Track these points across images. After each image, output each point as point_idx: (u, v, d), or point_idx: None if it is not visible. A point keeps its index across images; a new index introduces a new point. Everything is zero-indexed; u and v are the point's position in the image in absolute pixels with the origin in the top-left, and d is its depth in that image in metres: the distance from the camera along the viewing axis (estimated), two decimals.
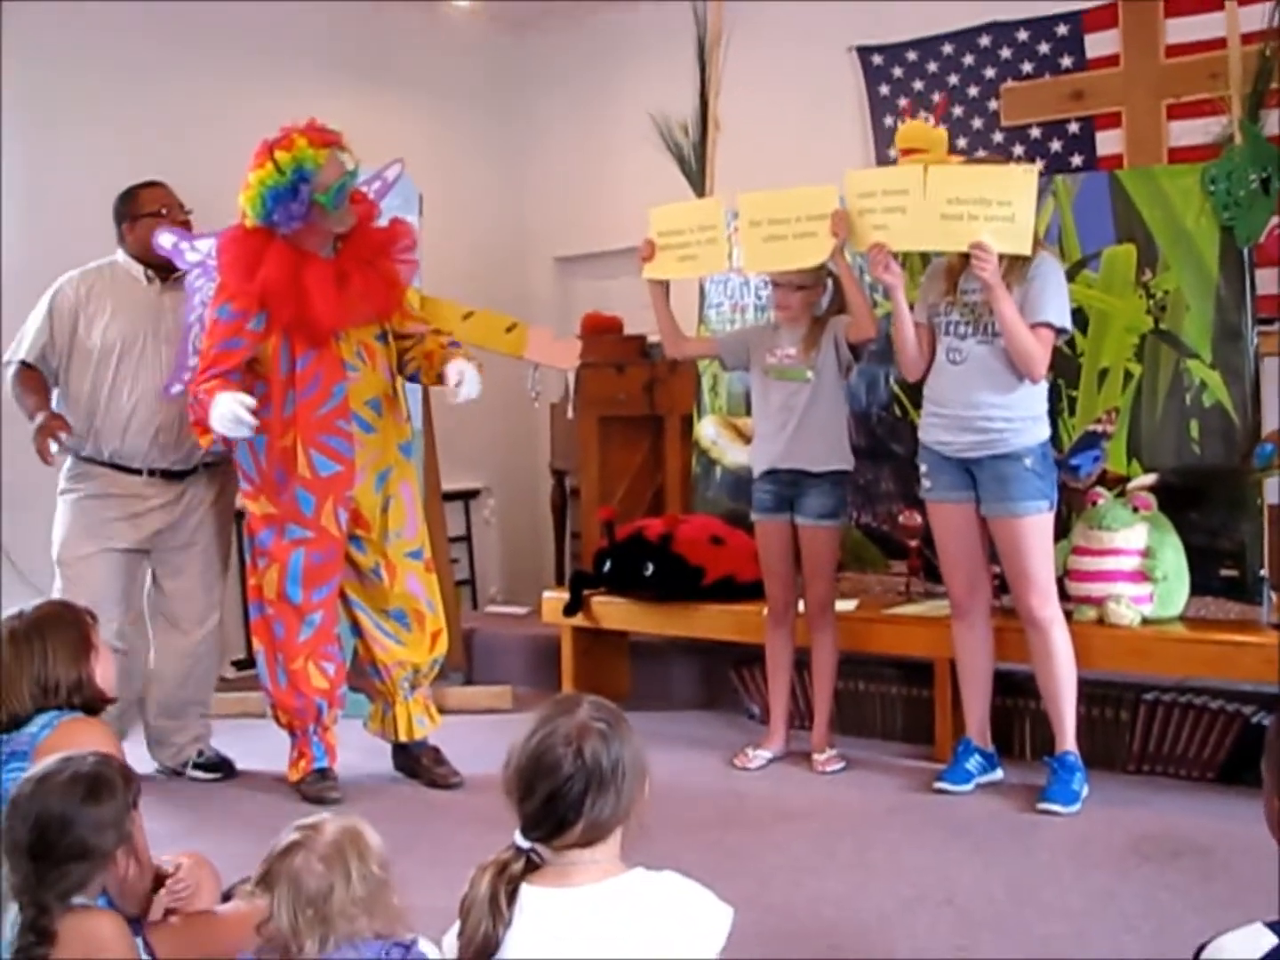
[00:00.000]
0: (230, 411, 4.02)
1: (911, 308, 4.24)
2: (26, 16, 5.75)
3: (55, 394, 4.54)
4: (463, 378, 4.27)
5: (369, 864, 2.01)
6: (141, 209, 4.60)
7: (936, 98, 6.40)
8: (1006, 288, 3.98)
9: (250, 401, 4.06)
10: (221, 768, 4.68)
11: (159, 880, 2.49)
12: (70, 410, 4.49)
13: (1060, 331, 4.10)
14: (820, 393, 4.49)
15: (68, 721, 2.65)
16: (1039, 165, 4.14)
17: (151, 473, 4.56)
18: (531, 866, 2.01)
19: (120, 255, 4.64)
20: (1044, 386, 4.14)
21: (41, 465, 4.35)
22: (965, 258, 4.11)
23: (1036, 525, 4.07)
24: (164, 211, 4.59)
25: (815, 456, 4.50)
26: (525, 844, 2.01)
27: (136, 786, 2.31)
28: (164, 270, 4.60)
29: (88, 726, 2.67)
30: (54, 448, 4.28)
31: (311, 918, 1.95)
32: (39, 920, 2.14)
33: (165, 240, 4.48)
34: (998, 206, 3.98)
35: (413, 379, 4.58)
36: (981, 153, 6.26)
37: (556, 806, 1.97)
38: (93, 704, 2.77)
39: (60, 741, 2.54)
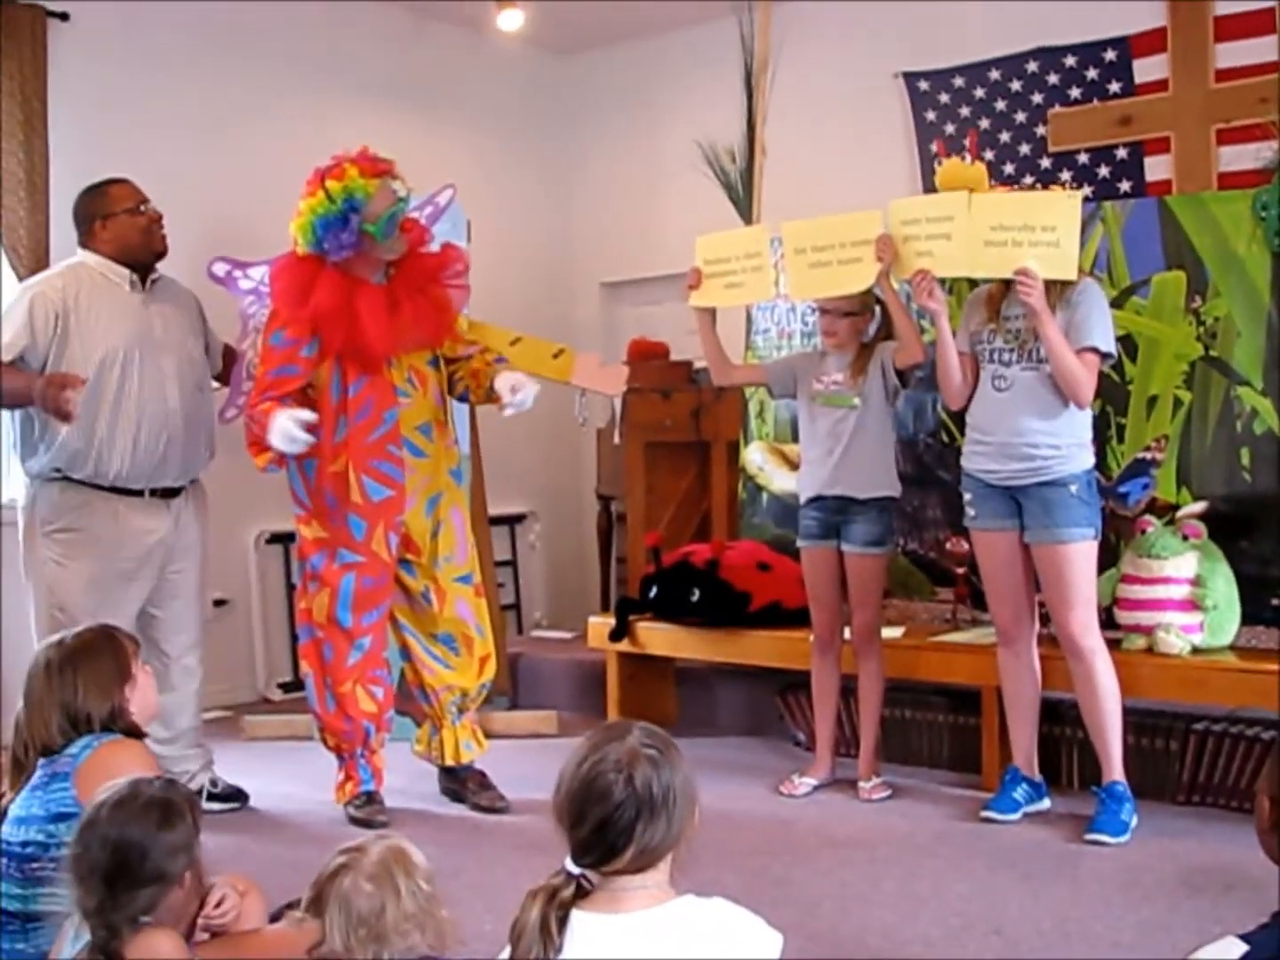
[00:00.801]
0: (286, 428, 4.03)
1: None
2: (78, 38, 5.83)
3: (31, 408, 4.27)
4: (518, 385, 4.29)
5: (416, 880, 2.03)
6: (115, 206, 4.41)
7: (985, 123, 6.40)
8: (1050, 311, 3.97)
9: (308, 416, 4.07)
10: (237, 797, 4.58)
11: (201, 901, 2.51)
12: (55, 427, 4.24)
13: (1105, 356, 4.08)
14: (867, 419, 4.48)
15: (108, 744, 2.65)
16: (1084, 191, 4.11)
17: (153, 493, 4.41)
18: (582, 892, 2.01)
19: (89, 256, 4.41)
20: (1089, 413, 4.12)
21: None
22: (1007, 285, 4.10)
23: (1081, 553, 4.05)
24: (140, 208, 4.42)
25: (862, 483, 4.49)
26: (576, 870, 2.00)
27: (199, 810, 2.34)
28: (142, 271, 4.45)
29: (127, 749, 2.67)
30: (76, 398, 4.02)
31: (365, 937, 1.97)
32: (110, 943, 2.16)
33: (219, 268, 4.50)
34: (1042, 232, 3.97)
35: (462, 399, 4.60)
36: (1029, 179, 6.27)
37: (607, 833, 1.96)
38: (127, 734, 2.73)
39: (101, 764, 2.54)
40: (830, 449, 4.52)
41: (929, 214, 4.22)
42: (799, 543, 4.68)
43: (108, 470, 4.32)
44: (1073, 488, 4.03)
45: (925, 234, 4.20)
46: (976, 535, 4.27)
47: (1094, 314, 4.04)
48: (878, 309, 4.54)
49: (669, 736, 2.08)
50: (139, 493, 4.39)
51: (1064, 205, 4.04)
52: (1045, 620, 4.28)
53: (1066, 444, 4.05)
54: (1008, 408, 4.09)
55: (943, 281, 4.19)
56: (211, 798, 4.48)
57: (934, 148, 6.54)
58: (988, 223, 4.05)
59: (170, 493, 4.47)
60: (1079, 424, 4.09)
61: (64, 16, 5.76)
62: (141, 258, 4.43)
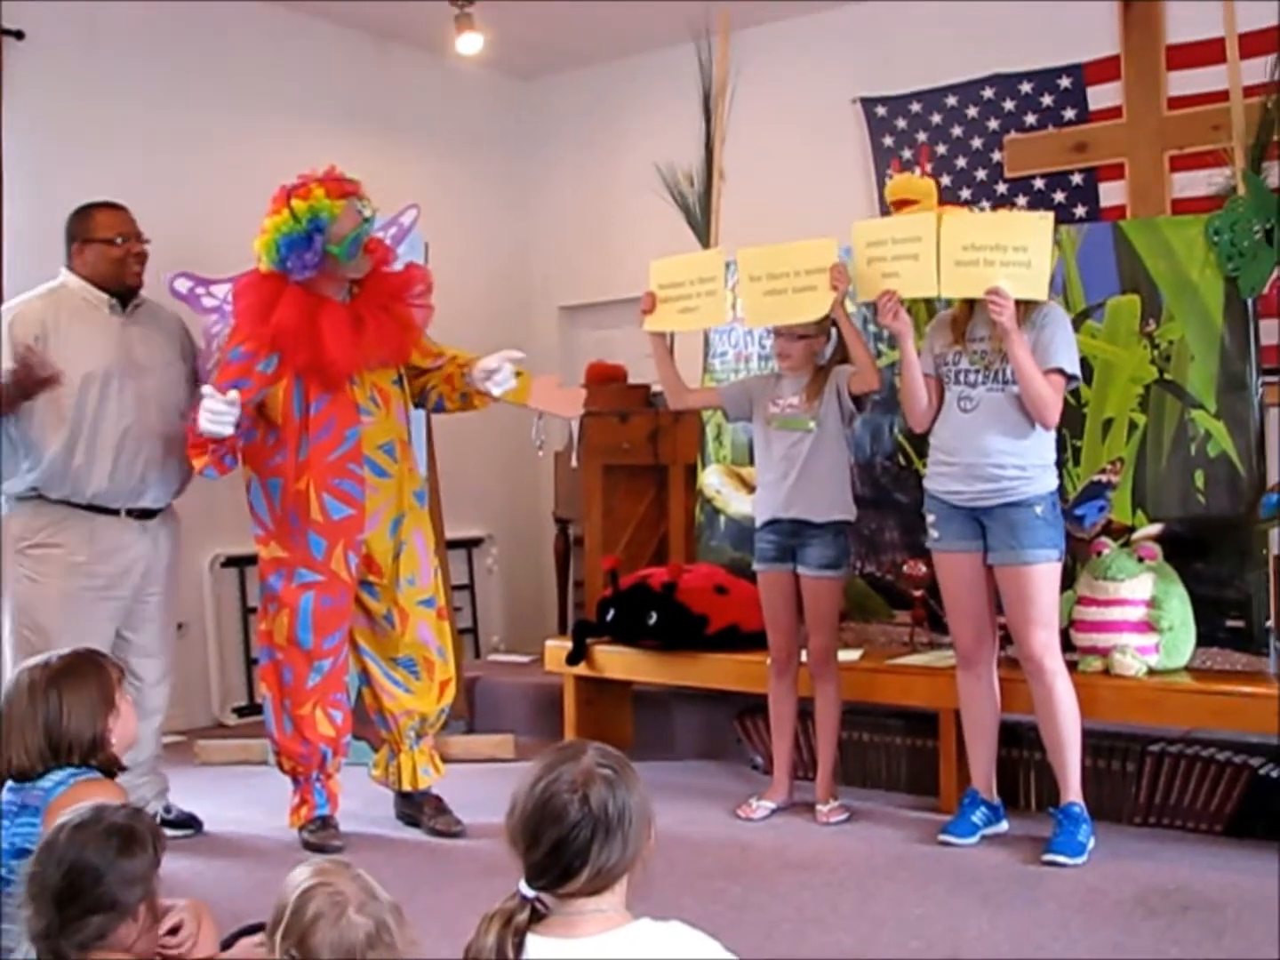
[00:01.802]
0: (206, 405, 3.92)
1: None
2: (32, 57, 5.79)
3: (6, 427, 4.23)
4: (490, 366, 4.32)
5: (382, 900, 1.99)
6: (95, 233, 4.39)
7: (941, 148, 6.45)
8: None
9: (232, 395, 3.95)
10: (191, 824, 4.51)
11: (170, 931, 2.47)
12: (38, 447, 4.24)
13: (1070, 378, 4.11)
14: (822, 442, 4.49)
15: (83, 782, 2.59)
16: (1052, 213, 4.15)
17: (130, 513, 4.37)
18: (536, 916, 1.98)
19: (70, 278, 4.41)
20: (1053, 435, 4.14)
21: None
22: (972, 306, 4.12)
23: (1045, 574, 4.06)
24: (119, 240, 4.38)
25: (817, 506, 4.49)
26: (530, 893, 1.98)
27: (163, 843, 2.30)
28: (122, 297, 4.43)
29: (103, 789, 2.60)
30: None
31: None
32: None
33: (181, 285, 4.45)
34: (1014, 252, 3.99)
35: (437, 408, 4.58)
36: (985, 204, 6.32)
37: (562, 854, 1.94)
38: (106, 766, 2.69)
39: (73, 802, 2.45)
40: (785, 472, 4.52)
41: (895, 235, 4.23)
42: (755, 566, 4.68)
43: (85, 489, 4.29)
44: (1038, 509, 4.05)
45: (891, 255, 4.21)
46: (939, 557, 4.28)
47: (1059, 336, 4.07)
48: (834, 331, 4.55)
49: (624, 756, 2.07)
50: (115, 512, 4.35)
51: (1036, 225, 4.07)
52: (1005, 642, 4.29)
53: (1031, 465, 4.07)
54: (973, 429, 4.11)
55: (903, 303, 4.20)
56: (165, 824, 4.37)
57: (891, 172, 6.57)
58: (959, 243, 4.06)
59: (147, 514, 4.44)
60: (1044, 445, 4.11)
61: (19, 35, 5.72)
62: (113, 287, 4.41)
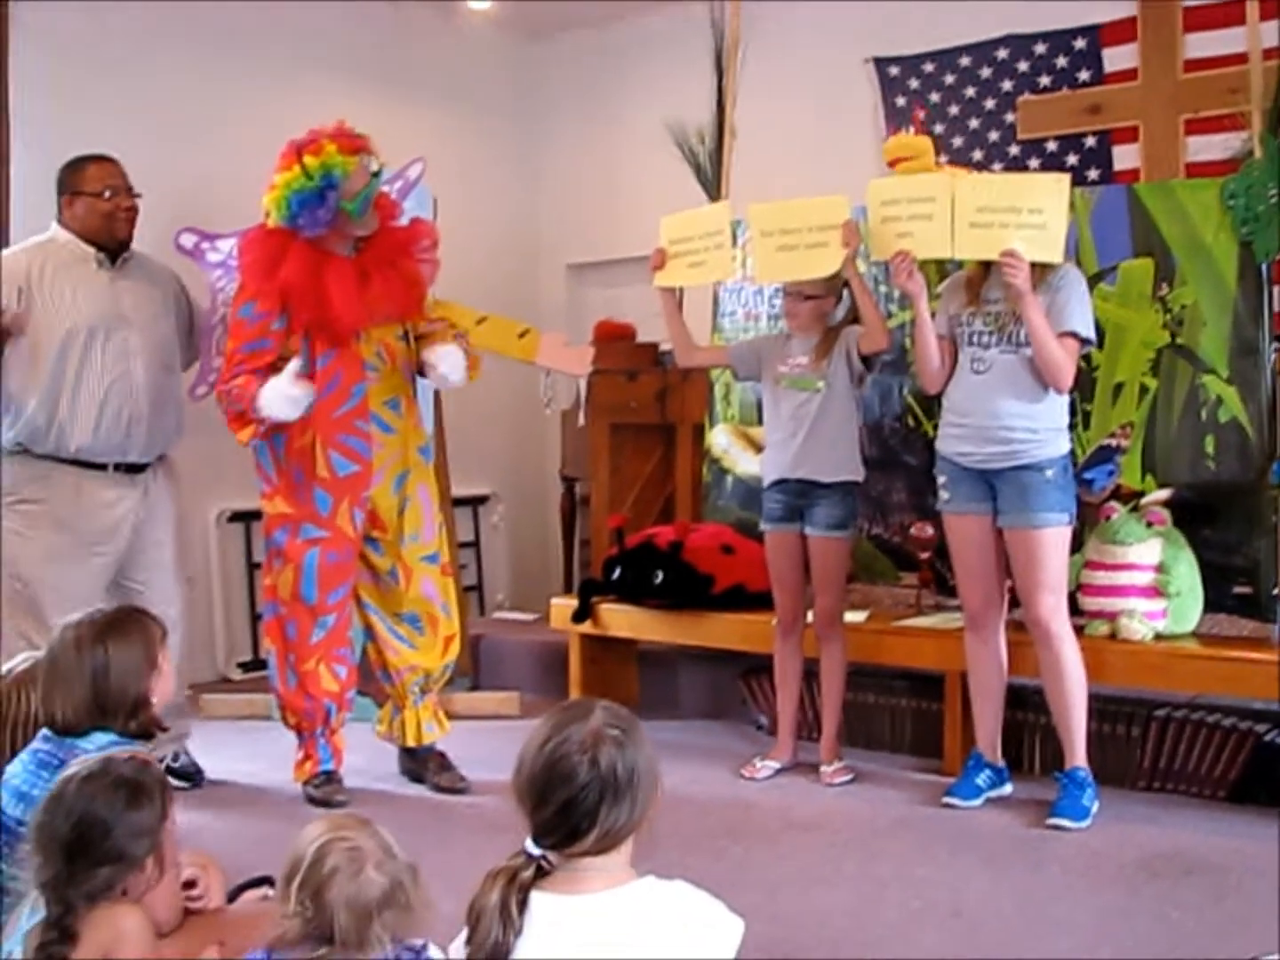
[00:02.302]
0: (284, 391, 3.98)
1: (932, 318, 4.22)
2: (45, 11, 5.73)
3: None
4: (438, 360, 4.26)
5: (399, 859, 2.00)
6: (85, 185, 4.37)
7: (954, 109, 6.40)
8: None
9: (295, 366, 4.02)
10: (192, 777, 4.53)
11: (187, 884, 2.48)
12: (19, 401, 4.27)
13: (1085, 342, 4.08)
14: (831, 403, 4.47)
15: (127, 753, 2.59)
16: (1068, 175, 4.12)
17: (117, 467, 4.39)
18: (541, 873, 1.98)
19: (59, 231, 4.41)
20: (1066, 399, 4.12)
21: None
22: (987, 267, 4.10)
23: (1055, 538, 4.04)
24: (107, 194, 4.36)
25: (825, 467, 4.47)
26: (536, 851, 1.98)
27: (170, 795, 2.30)
28: (111, 251, 4.42)
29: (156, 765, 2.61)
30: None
31: (378, 920, 1.94)
32: (64, 919, 2.13)
33: (186, 240, 4.44)
34: (1029, 215, 3.96)
35: (421, 374, 4.57)
36: (997, 166, 6.27)
37: (571, 815, 1.94)
38: (147, 728, 2.67)
39: None
40: (794, 432, 4.50)
41: (910, 195, 4.20)
42: (762, 526, 4.67)
43: (69, 444, 4.30)
44: (1048, 472, 4.03)
45: (906, 215, 4.18)
46: (949, 519, 4.26)
47: (1074, 299, 4.04)
48: (845, 292, 4.52)
49: (632, 715, 2.06)
50: (102, 467, 4.37)
51: (1051, 187, 4.04)
52: (1013, 605, 4.28)
53: (1043, 428, 4.05)
54: (986, 391, 4.09)
55: (917, 263, 4.18)
56: (169, 772, 4.41)
57: (904, 132, 6.53)
58: (974, 204, 4.03)
59: (136, 468, 4.44)
60: (1056, 409, 4.09)
61: None
62: (101, 241, 4.39)
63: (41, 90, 5.72)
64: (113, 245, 4.41)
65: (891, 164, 4.44)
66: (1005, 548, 4.14)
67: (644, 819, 2.00)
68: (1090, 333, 4.08)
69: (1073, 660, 4.07)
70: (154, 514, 4.50)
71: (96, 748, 2.51)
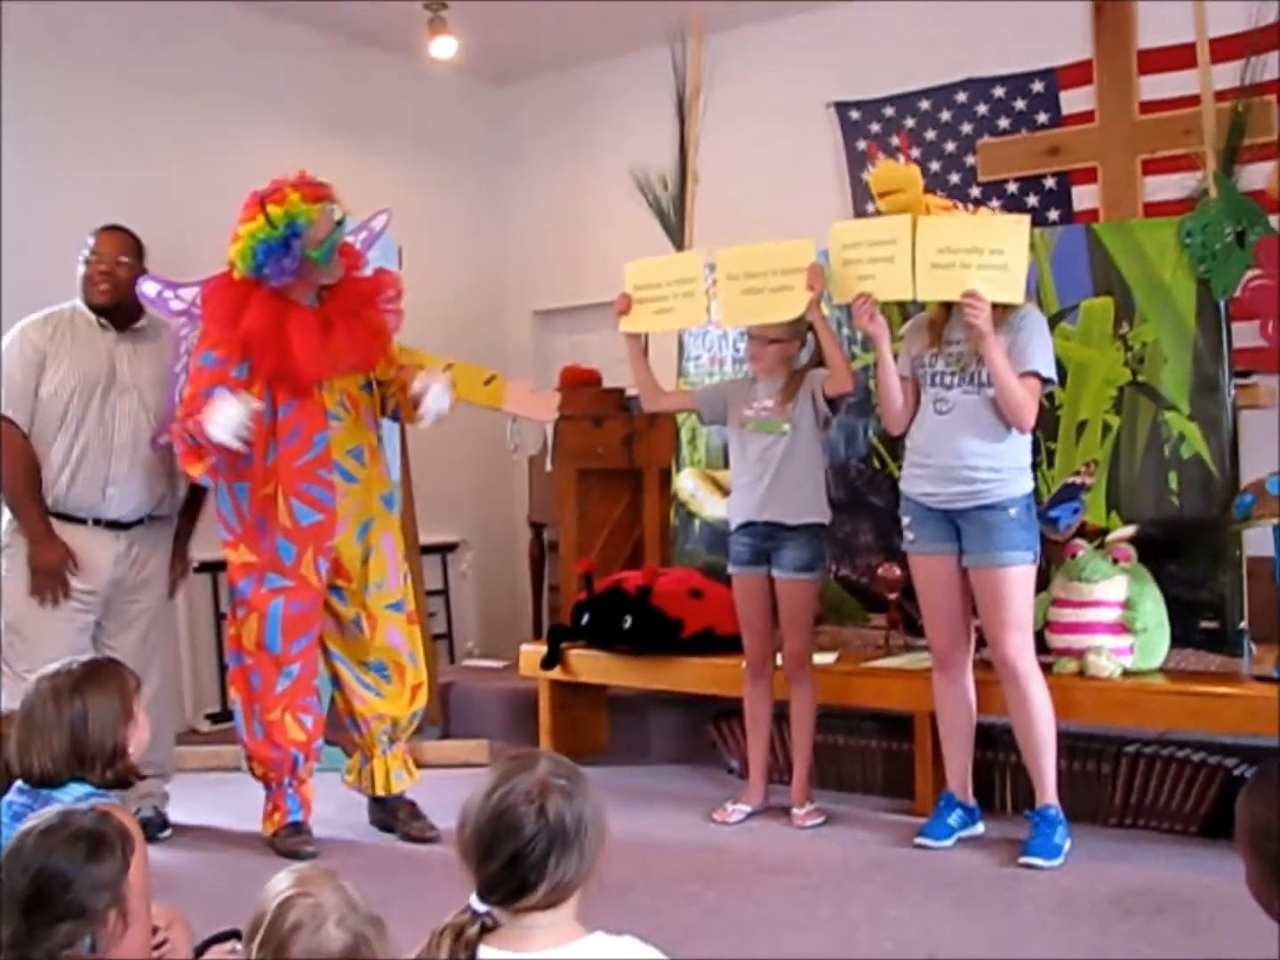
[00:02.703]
0: (229, 414, 3.92)
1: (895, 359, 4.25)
2: (5, 54, 5.76)
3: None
4: (424, 389, 4.23)
5: (363, 913, 1.93)
6: (82, 252, 4.48)
7: (916, 152, 6.45)
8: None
9: (256, 405, 4.00)
10: (160, 829, 4.48)
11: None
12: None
13: (1046, 382, 4.11)
14: (797, 445, 4.48)
15: (101, 807, 2.54)
16: (1028, 216, 4.16)
17: (97, 522, 4.42)
18: (486, 929, 1.93)
19: (77, 299, 4.52)
20: (1028, 438, 4.14)
21: None
22: (949, 309, 4.13)
23: (1019, 576, 4.06)
24: (90, 261, 4.45)
25: (792, 509, 4.48)
26: (482, 908, 1.92)
27: (132, 846, 2.27)
28: (119, 317, 4.48)
29: (119, 815, 2.56)
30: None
31: None
32: None
33: (149, 288, 4.44)
34: (990, 255, 4.00)
35: (394, 417, 4.56)
36: (959, 208, 6.32)
37: (518, 868, 1.89)
38: (124, 777, 2.66)
39: None
40: (760, 475, 4.51)
41: (871, 238, 4.24)
42: (730, 569, 4.67)
43: (48, 495, 4.36)
44: (1011, 511, 4.05)
45: (868, 258, 4.21)
46: (915, 559, 4.28)
47: (1036, 339, 4.07)
48: (810, 336, 4.55)
49: (576, 766, 2.02)
50: (83, 521, 4.40)
51: (1012, 228, 4.07)
52: (980, 645, 4.29)
53: (1006, 467, 4.07)
54: (948, 431, 4.11)
55: (879, 306, 4.20)
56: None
57: (865, 175, 6.57)
58: (935, 245, 4.07)
59: (119, 525, 4.46)
60: (1019, 448, 4.11)
61: None
62: (91, 305, 4.46)
63: (5, 137, 5.72)
64: (102, 310, 4.47)
65: (881, 196, 4.46)
66: (971, 587, 4.15)
67: (592, 871, 1.95)
68: (1051, 372, 4.11)
69: (1040, 698, 4.07)
70: (136, 575, 4.50)
71: (73, 799, 2.49)
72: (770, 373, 4.55)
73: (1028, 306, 4.15)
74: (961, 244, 4.04)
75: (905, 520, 4.27)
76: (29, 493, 4.34)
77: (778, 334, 4.50)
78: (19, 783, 2.57)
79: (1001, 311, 4.04)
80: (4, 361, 4.41)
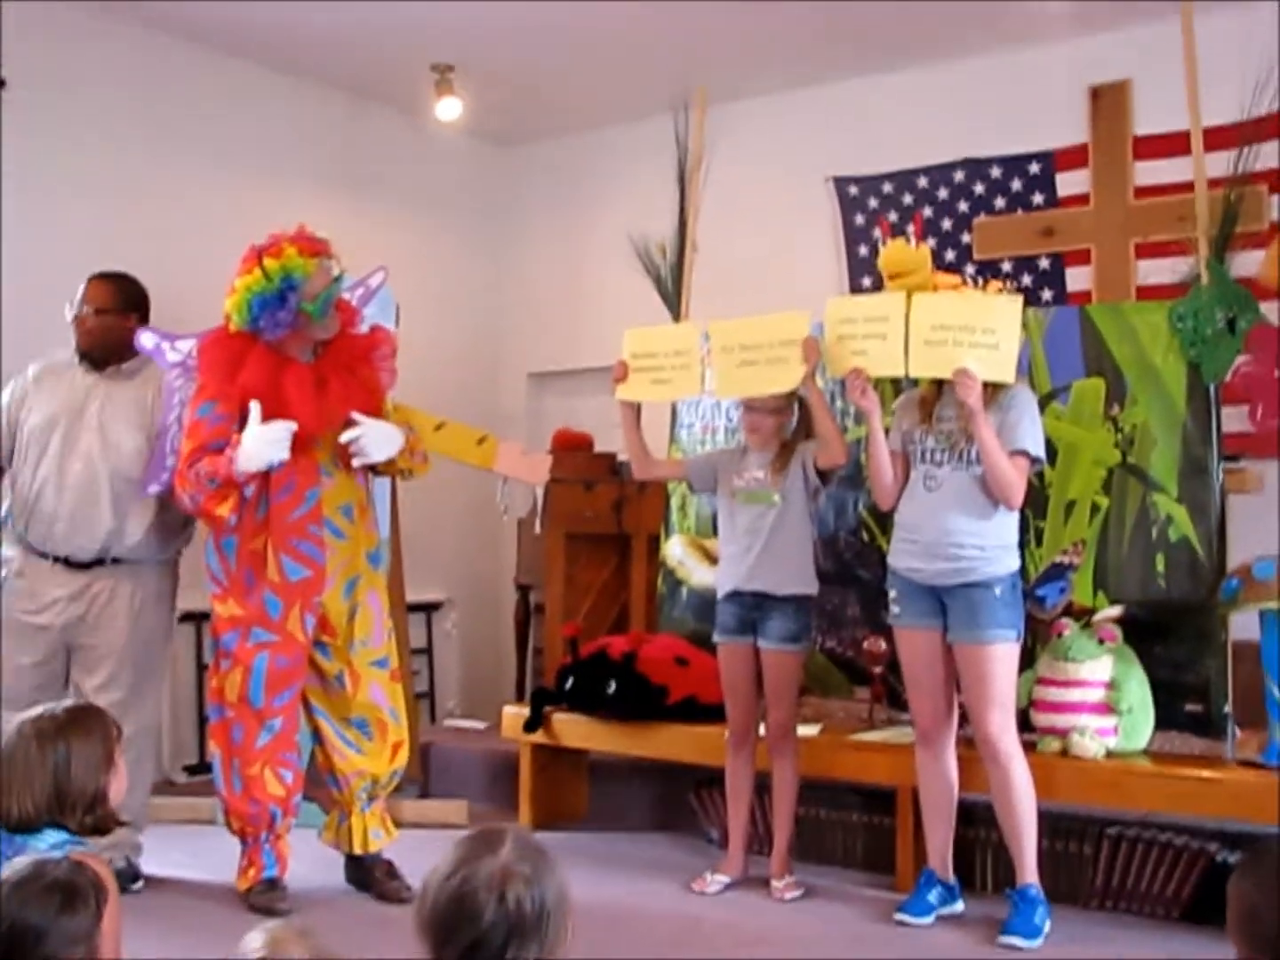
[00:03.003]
0: (266, 434, 4.01)
1: (886, 433, 4.27)
2: (14, 105, 5.82)
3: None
4: (358, 434, 4.22)
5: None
6: (75, 302, 4.57)
7: (910, 230, 6.50)
8: None
9: (292, 425, 4.06)
10: (129, 881, 4.40)
11: None
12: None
13: (1035, 461, 4.13)
14: (787, 516, 4.49)
15: (78, 855, 2.44)
16: (1021, 296, 4.20)
17: (55, 559, 4.44)
18: None
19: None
20: (1016, 516, 4.16)
21: None
22: (940, 386, 4.15)
23: (1002, 655, 4.06)
24: (80, 309, 4.54)
25: (780, 580, 4.48)
26: None
27: (105, 897, 2.24)
28: (98, 360, 4.53)
29: (94, 864, 2.53)
30: None
31: None
32: None
33: (147, 340, 4.47)
34: (982, 334, 4.03)
35: (376, 473, 4.55)
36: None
37: (476, 955, 1.84)
38: (104, 824, 2.63)
39: None
40: (749, 545, 4.52)
41: (865, 314, 4.29)
42: (715, 637, 4.67)
43: (19, 526, 4.46)
44: (997, 589, 4.05)
45: (861, 333, 4.25)
46: (900, 633, 4.28)
47: (1025, 418, 4.10)
48: (796, 407, 4.57)
49: (542, 846, 1.98)
50: (43, 555, 4.44)
51: (1005, 308, 4.11)
52: (964, 721, 4.28)
53: (992, 545, 4.08)
54: (937, 507, 4.12)
55: (871, 381, 4.23)
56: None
57: (862, 250, 6.65)
58: (928, 322, 4.10)
59: (75, 564, 4.45)
60: (1005, 527, 4.13)
61: (0, 83, 5.73)
62: (84, 352, 4.56)
63: (10, 184, 5.76)
64: (89, 355, 4.54)
65: (890, 278, 4.49)
66: (956, 663, 4.15)
67: (555, 956, 1.90)
68: (1040, 451, 4.13)
69: (1022, 778, 4.06)
70: (96, 616, 4.46)
71: (49, 845, 2.47)
72: (764, 443, 4.57)
73: (1018, 385, 4.18)
74: (955, 321, 4.08)
75: (891, 594, 4.27)
76: None
77: (777, 404, 4.52)
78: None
79: (992, 390, 4.07)
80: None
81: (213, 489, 4.10)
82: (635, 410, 4.77)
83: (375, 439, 4.27)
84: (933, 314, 4.12)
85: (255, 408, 4.07)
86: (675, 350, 4.67)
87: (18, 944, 2.06)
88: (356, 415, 4.25)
